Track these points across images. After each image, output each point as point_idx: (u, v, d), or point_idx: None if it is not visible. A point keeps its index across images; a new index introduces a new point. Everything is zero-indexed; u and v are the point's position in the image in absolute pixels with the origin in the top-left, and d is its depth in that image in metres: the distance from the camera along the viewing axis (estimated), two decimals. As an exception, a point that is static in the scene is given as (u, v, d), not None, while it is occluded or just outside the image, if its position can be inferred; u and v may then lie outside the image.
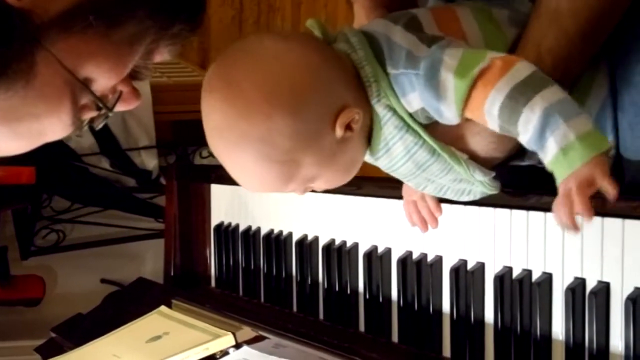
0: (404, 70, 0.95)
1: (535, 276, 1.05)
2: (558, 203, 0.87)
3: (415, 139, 0.98)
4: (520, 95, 0.88)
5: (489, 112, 0.90)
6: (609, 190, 0.85)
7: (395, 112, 0.97)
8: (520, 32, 1.01)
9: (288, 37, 0.99)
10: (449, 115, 0.94)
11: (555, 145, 0.86)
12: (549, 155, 0.87)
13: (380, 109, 0.97)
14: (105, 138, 2.89)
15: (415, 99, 0.96)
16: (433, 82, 0.93)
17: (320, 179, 1.00)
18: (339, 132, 0.95)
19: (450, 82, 0.91)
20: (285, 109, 0.92)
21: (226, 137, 0.94)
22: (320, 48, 0.98)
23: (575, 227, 0.87)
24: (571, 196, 0.85)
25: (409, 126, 0.97)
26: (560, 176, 0.87)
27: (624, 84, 1.02)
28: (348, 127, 0.95)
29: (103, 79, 0.85)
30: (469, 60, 0.91)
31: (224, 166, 0.98)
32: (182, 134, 3.07)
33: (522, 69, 0.89)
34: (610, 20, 0.98)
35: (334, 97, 0.95)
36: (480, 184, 1.00)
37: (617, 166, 1.06)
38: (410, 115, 0.97)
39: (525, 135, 0.89)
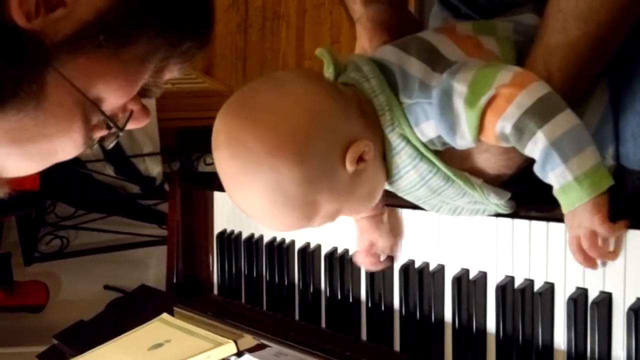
0: (417, 100, 0.96)
1: (537, 286, 1.05)
2: (573, 249, 0.94)
3: (430, 167, 0.98)
4: (527, 126, 0.89)
5: (501, 138, 0.92)
6: (608, 236, 0.91)
7: (409, 141, 0.97)
8: (526, 40, 1.02)
9: (283, 81, 0.99)
10: (464, 143, 0.95)
11: (555, 181, 0.90)
12: (553, 185, 0.91)
13: (393, 138, 0.98)
14: (109, 145, 2.90)
15: (430, 128, 0.97)
16: (446, 112, 0.94)
17: (344, 211, 1.01)
18: (349, 167, 0.95)
19: (462, 112, 0.93)
20: (290, 157, 0.92)
21: (240, 190, 0.97)
22: (318, 86, 0.98)
23: (594, 265, 0.95)
24: (582, 248, 0.93)
25: (422, 155, 0.98)
26: (564, 208, 0.92)
27: (627, 93, 1.02)
28: (360, 159, 0.96)
29: (113, 98, 0.86)
30: (478, 86, 0.92)
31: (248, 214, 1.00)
32: (186, 141, 3.08)
33: (530, 95, 0.90)
34: (619, 35, 0.98)
35: (339, 134, 0.95)
36: (495, 205, 1.01)
37: (619, 177, 1.06)
38: (424, 144, 0.97)
39: (535, 159, 0.92)
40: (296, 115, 0.94)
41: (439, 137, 0.97)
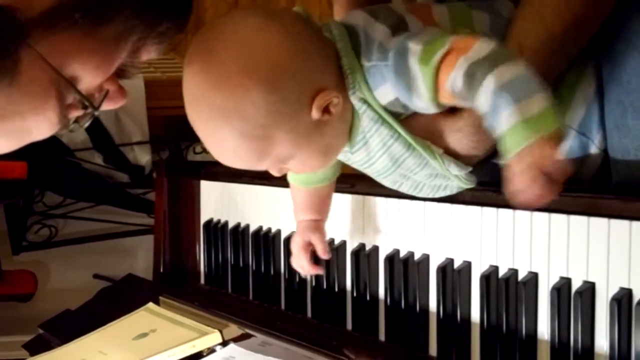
0: (375, 63, 0.95)
1: (521, 275, 1.05)
2: (516, 178, 0.85)
3: (391, 132, 0.98)
4: (477, 72, 0.86)
5: (453, 92, 0.90)
6: (557, 170, 0.83)
7: (369, 105, 0.97)
8: (499, 39, 1.01)
9: (274, 13, 0.98)
10: (422, 104, 0.94)
11: (503, 124, 0.85)
12: (500, 132, 0.86)
13: (355, 102, 0.97)
14: (98, 133, 2.88)
15: (387, 90, 0.95)
16: (402, 73, 0.92)
17: (294, 160, 0.99)
18: (315, 114, 0.94)
19: (417, 70, 0.91)
20: (261, 83, 0.91)
21: (201, 107, 0.94)
22: (307, 28, 0.97)
23: (530, 203, 0.85)
24: (533, 172, 0.83)
25: (383, 119, 0.97)
26: (510, 150, 0.85)
27: (611, 83, 1.02)
28: (326, 110, 0.95)
29: (89, 77, 0.85)
30: (433, 45, 0.91)
31: (201, 138, 0.97)
32: (175, 130, 3.06)
33: (482, 47, 0.88)
34: (593, 22, 0.98)
35: (313, 78, 0.94)
36: (456, 178, 1.00)
37: (605, 166, 1.06)
38: (384, 108, 0.97)
39: (485, 111, 0.87)
40: (278, 44, 0.93)
41: (397, 99, 0.96)
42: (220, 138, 0.95)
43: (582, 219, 0.99)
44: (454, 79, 0.88)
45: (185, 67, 0.95)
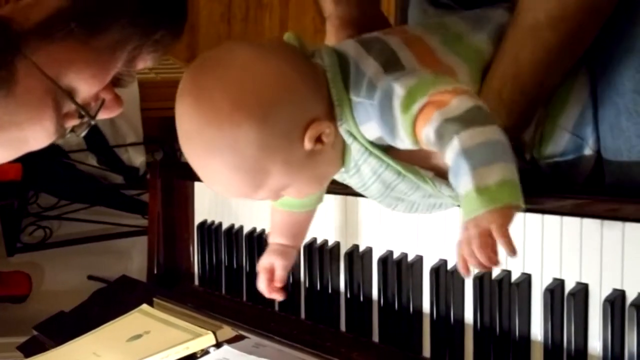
0: (362, 100, 0.95)
1: (514, 277, 1.05)
2: (459, 246, 0.87)
3: (379, 162, 0.98)
4: (446, 131, 0.86)
5: (428, 142, 0.90)
6: (504, 246, 0.84)
7: (356, 138, 0.97)
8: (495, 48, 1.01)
9: (263, 46, 0.98)
10: (404, 146, 0.94)
11: (460, 189, 0.86)
12: (458, 194, 0.87)
13: (343, 133, 0.97)
14: (92, 135, 2.87)
15: (372, 128, 0.95)
16: (386, 114, 0.92)
17: (290, 189, 0.99)
18: (307, 144, 0.94)
19: (399, 116, 0.91)
20: (252, 118, 0.91)
21: (194, 143, 0.94)
22: (296, 59, 0.97)
23: (467, 272, 0.88)
24: (471, 245, 0.85)
25: (370, 152, 0.97)
26: (462, 217, 0.86)
27: (605, 85, 1.03)
28: (319, 140, 0.95)
29: (85, 87, 0.85)
30: (415, 92, 0.90)
31: (196, 172, 0.98)
32: (169, 131, 3.06)
33: (459, 105, 0.87)
34: (589, 33, 0.98)
35: (304, 110, 0.94)
36: (449, 197, 1.00)
37: (598, 167, 1.06)
38: (370, 141, 0.96)
39: (450, 168, 0.88)
40: (268, 78, 0.93)
41: (382, 137, 0.95)
42: (215, 173, 0.95)
43: (575, 220, 0.99)
44: (427, 134, 0.89)
45: (177, 102, 0.95)
